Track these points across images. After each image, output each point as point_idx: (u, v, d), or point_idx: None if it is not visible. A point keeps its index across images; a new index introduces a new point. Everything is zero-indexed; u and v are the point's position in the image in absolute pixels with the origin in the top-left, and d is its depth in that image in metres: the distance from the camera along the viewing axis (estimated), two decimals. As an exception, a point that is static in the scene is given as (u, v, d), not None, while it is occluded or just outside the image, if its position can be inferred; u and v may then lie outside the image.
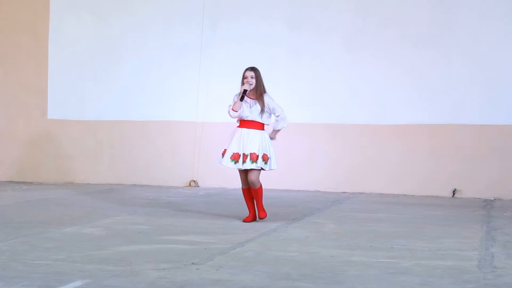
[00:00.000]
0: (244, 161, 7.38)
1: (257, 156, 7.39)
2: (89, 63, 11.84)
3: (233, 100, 7.50)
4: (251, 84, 7.41)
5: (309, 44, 11.00)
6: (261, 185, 7.56)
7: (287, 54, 11.08)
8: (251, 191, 7.56)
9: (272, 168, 7.56)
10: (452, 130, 10.45)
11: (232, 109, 7.42)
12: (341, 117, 10.86)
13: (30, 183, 11.77)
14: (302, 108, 10.94)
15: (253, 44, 11.13)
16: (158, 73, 11.58)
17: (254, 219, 7.61)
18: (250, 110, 7.44)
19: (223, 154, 7.53)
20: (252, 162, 7.38)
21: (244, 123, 7.50)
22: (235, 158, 7.42)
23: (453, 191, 10.38)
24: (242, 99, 7.37)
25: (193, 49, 11.41)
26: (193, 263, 5.39)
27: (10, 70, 12.16)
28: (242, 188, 7.63)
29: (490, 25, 10.34)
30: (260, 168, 7.44)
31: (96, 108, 11.81)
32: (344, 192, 10.70)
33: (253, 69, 7.50)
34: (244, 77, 7.46)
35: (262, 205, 7.62)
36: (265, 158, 7.43)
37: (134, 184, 11.55)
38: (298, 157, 10.90)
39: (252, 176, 7.45)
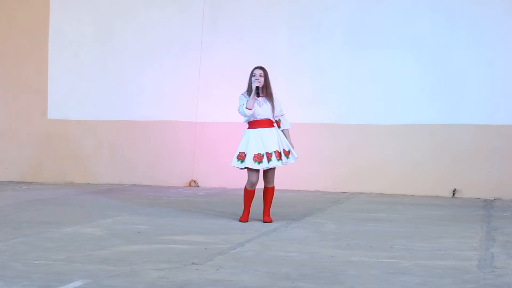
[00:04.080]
0: (269, 160, 7.42)
1: (280, 153, 7.48)
2: (89, 63, 11.84)
3: (239, 99, 7.52)
4: (260, 82, 7.46)
5: (309, 44, 11.00)
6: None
7: (287, 54, 11.08)
8: (266, 191, 7.57)
9: (296, 157, 7.66)
10: (452, 130, 10.45)
11: (246, 107, 7.41)
12: (341, 117, 10.86)
13: (30, 183, 11.77)
14: (302, 108, 10.94)
15: (253, 44, 11.13)
16: (158, 73, 11.58)
17: (248, 218, 7.62)
18: (261, 108, 7.48)
19: (239, 158, 7.48)
20: (278, 160, 7.47)
21: (256, 123, 7.51)
22: (258, 159, 7.42)
23: (453, 191, 10.38)
24: (258, 95, 7.43)
25: (193, 49, 11.40)
26: (193, 263, 5.39)
27: (10, 70, 12.16)
28: (247, 190, 7.57)
29: (490, 25, 10.34)
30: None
31: (96, 108, 11.81)
32: (344, 192, 10.70)
33: (261, 68, 7.58)
34: (252, 75, 7.51)
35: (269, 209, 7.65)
36: (286, 153, 7.56)
37: (134, 184, 11.55)
38: (298, 157, 10.88)
39: (271, 175, 7.54)
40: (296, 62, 11.04)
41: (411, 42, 10.60)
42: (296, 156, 7.66)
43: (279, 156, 7.48)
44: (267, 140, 7.46)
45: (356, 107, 10.80)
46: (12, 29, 12.12)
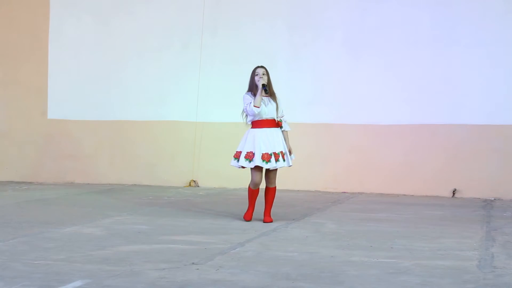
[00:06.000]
0: (277, 160, 7.42)
1: (284, 154, 7.52)
2: (89, 63, 11.84)
3: (244, 99, 7.49)
4: (265, 80, 7.48)
5: (309, 44, 11.00)
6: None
7: (287, 54, 11.08)
8: (269, 191, 7.58)
9: (290, 163, 7.65)
10: (452, 130, 10.45)
11: (254, 106, 7.39)
12: (341, 117, 10.86)
13: (30, 183, 11.77)
14: (302, 108, 10.94)
15: (253, 44, 11.13)
16: (158, 73, 11.58)
17: (251, 216, 7.62)
18: (267, 107, 7.48)
19: (247, 157, 7.45)
20: (284, 161, 7.50)
21: (262, 123, 7.50)
22: (266, 158, 7.41)
23: (453, 191, 10.38)
24: (266, 92, 7.44)
25: (193, 49, 11.41)
26: (193, 263, 5.39)
27: (10, 70, 12.16)
28: (251, 189, 7.57)
29: (491, 25, 10.34)
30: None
31: (96, 108, 11.81)
32: (344, 192, 10.70)
33: (263, 67, 7.60)
34: (255, 74, 7.51)
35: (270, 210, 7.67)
36: (285, 155, 7.57)
37: (134, 184, 11.55)
38: (298, 157, 10.82)
39: (274, 175, 7.56)
40: (296, 62, 11.04)
41: (411, 42, 10.60)
42: (291, 161, 7.63)
43: (283, 157, 7.51)
44: (273, 140, 7.47)
45: (356, 107, 10.80)
46: (12, 29, 12.12)
